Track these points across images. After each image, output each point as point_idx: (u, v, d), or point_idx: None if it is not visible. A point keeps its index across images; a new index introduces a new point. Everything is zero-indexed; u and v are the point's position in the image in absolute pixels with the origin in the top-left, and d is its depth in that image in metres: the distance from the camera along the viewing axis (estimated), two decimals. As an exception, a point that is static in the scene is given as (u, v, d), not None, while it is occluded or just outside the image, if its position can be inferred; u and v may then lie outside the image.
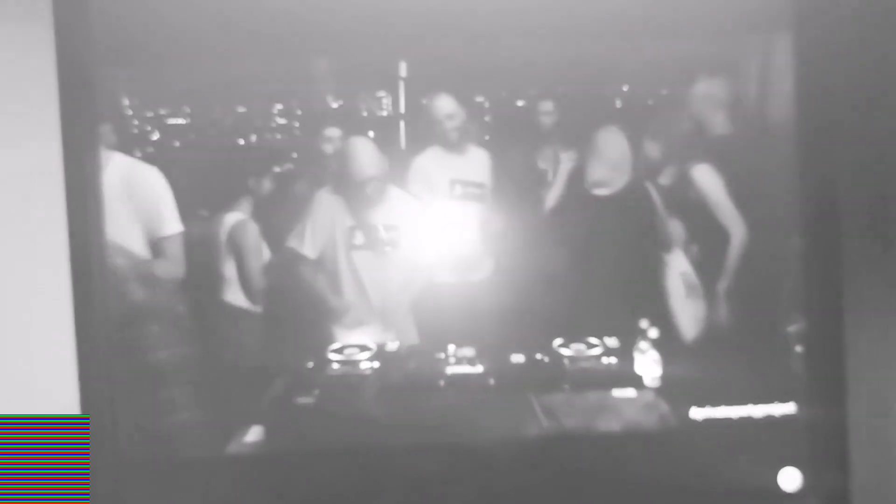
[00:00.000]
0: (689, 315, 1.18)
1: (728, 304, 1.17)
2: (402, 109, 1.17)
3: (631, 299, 1.19)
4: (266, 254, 1.19)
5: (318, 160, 1.20)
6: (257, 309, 1.19)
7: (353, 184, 1.21)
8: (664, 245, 1.21)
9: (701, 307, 1.18)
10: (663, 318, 1.18)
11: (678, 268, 1.20)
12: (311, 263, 1.21)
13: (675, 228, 1.21)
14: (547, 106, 1.19)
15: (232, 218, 1.19)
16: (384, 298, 1.22)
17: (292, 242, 1.20)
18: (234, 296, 1.19)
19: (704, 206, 1.19)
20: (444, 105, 1.20)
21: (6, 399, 1.05)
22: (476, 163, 1.24)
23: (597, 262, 1.19)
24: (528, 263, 1.17)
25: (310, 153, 1.19)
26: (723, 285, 1.18)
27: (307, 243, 1.21)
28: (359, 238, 1.22)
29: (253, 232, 1.19)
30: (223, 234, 1.18)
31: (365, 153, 1.20)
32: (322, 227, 1.21)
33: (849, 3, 1.06)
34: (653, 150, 1.20)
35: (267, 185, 1.19)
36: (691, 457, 1.11)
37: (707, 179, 1.19)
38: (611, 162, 1.20)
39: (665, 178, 1.21)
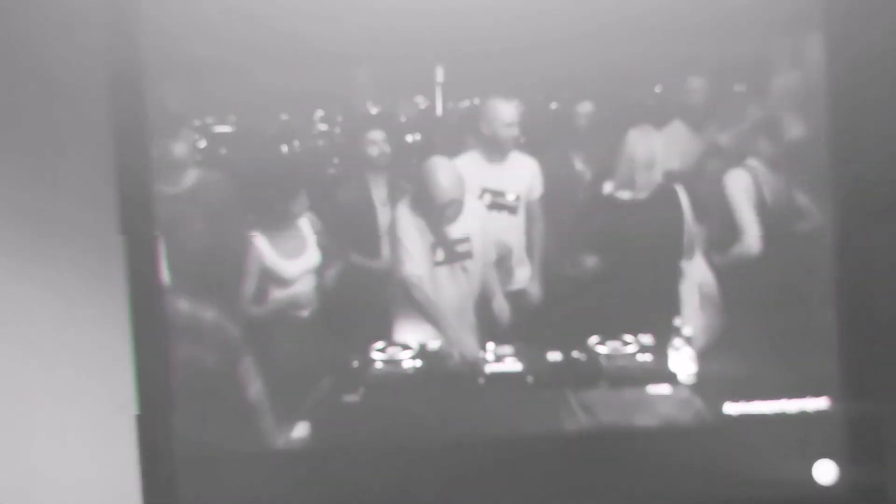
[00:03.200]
0: (701, 325, 1.19)
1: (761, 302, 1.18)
2: (440, 113, 1.18)
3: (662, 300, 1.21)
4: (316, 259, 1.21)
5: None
6: (307, 314, 1.20)
7: (434, 206, 1.20)
8: (685, 253, 1.21)
9: (715, 317, 1.19)
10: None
11: (696, 277, 1.21)
12: (421, 280, 1.22)
13: (700, 234, 1.21)
14: (584, 107, 1.19)
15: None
16: (457, 307, 1.23)
17: (407, 270, 1.21)
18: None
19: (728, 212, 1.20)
20: (507, 112, 1.19)
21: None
22: (513, 173, 1.23)
23: (629, 263, 1.20)
24: (565, 264, 1.20)
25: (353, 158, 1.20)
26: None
27: (417, 264, 1.21)
28: (439, 255, 1.23)
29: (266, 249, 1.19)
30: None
31: (446, 176, 1.19)
32: (416, 245, 1.21)
33: (880, 3, 1.07)
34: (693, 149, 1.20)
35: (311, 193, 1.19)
36: (726, 451, 1.14)
37: (738, 184, 1.19)
38: (640, 163, 1.20)
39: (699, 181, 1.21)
